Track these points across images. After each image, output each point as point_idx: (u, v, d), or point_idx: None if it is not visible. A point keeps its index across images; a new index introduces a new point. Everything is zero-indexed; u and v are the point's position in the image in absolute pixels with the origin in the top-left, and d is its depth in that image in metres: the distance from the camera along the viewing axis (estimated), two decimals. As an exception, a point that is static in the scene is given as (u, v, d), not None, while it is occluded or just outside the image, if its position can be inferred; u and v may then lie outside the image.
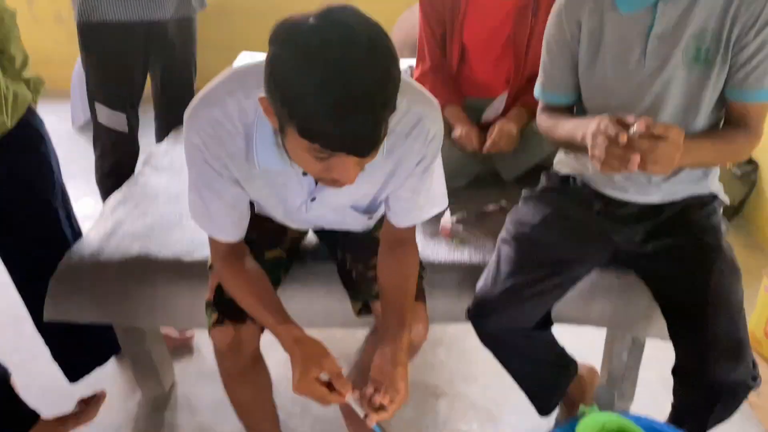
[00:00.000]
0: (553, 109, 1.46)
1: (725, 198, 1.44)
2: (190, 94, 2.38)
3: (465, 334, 2.10)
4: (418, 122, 1.11)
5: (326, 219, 1.36)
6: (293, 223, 1.40)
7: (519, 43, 1.81)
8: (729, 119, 1.33)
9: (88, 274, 1.56)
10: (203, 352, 2.05)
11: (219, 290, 1.32)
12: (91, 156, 2.29)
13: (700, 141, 1.27)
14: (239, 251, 1.25)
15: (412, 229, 1.31)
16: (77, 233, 1.75)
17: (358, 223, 1.38)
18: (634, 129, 1.11)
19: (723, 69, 1.26)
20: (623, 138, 1.10)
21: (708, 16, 1.23)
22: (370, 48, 0.85)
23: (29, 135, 1.53)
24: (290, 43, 0.85)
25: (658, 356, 1.93)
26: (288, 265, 1.51)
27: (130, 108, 2.17)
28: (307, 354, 1.12)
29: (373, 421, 1.11)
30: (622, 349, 1.68)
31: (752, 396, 1.79)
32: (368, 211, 1.31)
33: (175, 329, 2.08)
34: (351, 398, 1.11)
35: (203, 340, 2.09)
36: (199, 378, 1.94)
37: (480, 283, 1.42)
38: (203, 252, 1.58)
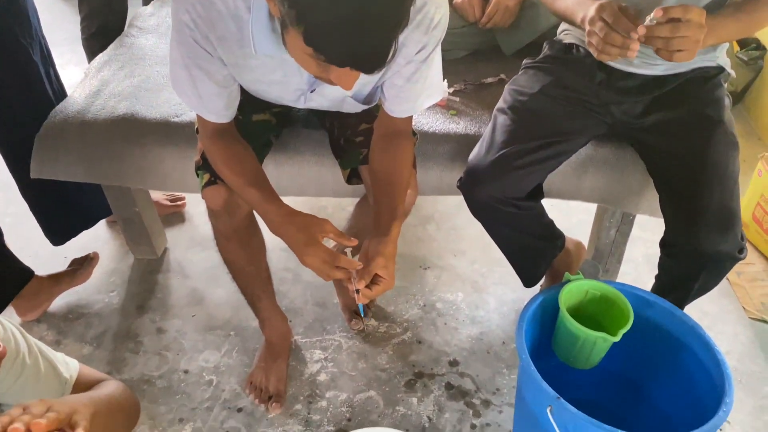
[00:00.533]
0: None
1: (732, 71, 1.40)
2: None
3: (456, 210, 2.12)
4: (422, 7, 1.04)
5: (323, 106, 1.32)
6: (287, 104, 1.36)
7: None
8: None
9: (74, 132, 1.53)
10: (195, 221, 2.06)
11: None
12: (76, 23, 2.18)
13: (723, 17, 1.20)
14: (228, 130, 1.21)
15: (407, 121, 1.26)
16: (62, 94, 1.70)
17: (356, 109, 1.33)
18: (651, 17, 1.06)
19: None
20: (641, 31, 1.07)
21: None
22: None
23: None
24: None
25: (645, 237, 1.96)
26: (278, 130, 1.47)
27: None
28: (304, 222, 1.12)
29: (359, 300, 1.12)
30: (611, 226, 1.69)
31: (733, 275, 1.84)
32: (367, 101, 1.26)
33: (166, 196, 2.08)
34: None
35: (194, 209, 2.10)
36: (191, 245, 1.96)
37: (473, 153, 1.39)
38: (191, 114, 1.55)
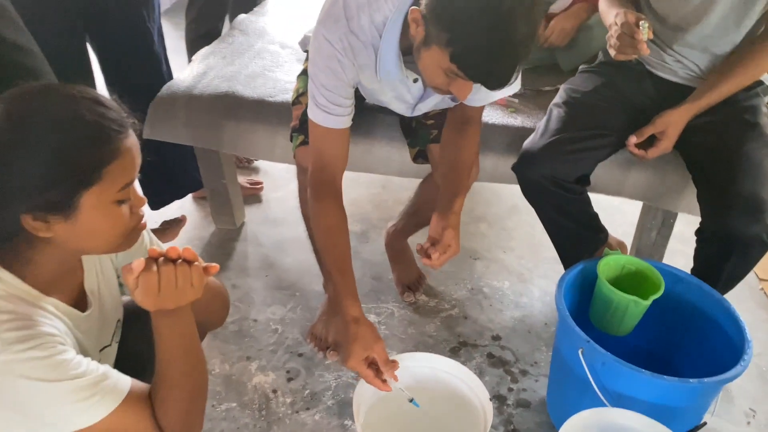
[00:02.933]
0: None
1: (770, 83, 1.54)
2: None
3: (507, 213, 2.28)
4: None
5: (423, 111, 1.51)
6: None
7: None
8: None
9: (182, 103, 1.78)
10: (271, 203, 2.28)
11: (303, 119, 1.50)
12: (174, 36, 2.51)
13: (713, 87, 1.44)
14: (334, 183, 1.35)
15: (480, 110, 1.44)
16: (170, 75, 1.97)
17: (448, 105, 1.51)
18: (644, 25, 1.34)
19: None
20: (639, 36, 1.33)
21: None
22: (532, 2, 1.00)
23: None
24: None
25: (685, 251, 2.06)
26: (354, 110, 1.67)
27: None
28: (360, 336, 1.23)
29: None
30: (652, 227, 1.81)
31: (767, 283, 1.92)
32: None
33: (247, 180, 2.32)
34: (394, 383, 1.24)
35: (270, 194, 2.33)
36: (265, 221, 2.18)
37: (528, 140, 1.56)
38: (284, 96, 1.78)
